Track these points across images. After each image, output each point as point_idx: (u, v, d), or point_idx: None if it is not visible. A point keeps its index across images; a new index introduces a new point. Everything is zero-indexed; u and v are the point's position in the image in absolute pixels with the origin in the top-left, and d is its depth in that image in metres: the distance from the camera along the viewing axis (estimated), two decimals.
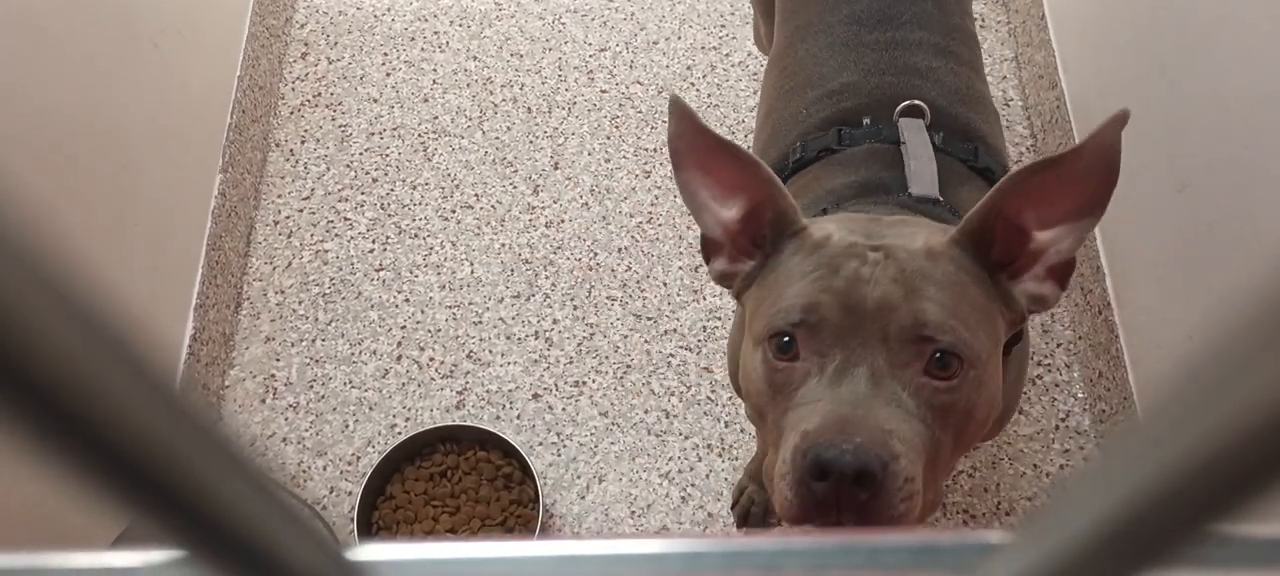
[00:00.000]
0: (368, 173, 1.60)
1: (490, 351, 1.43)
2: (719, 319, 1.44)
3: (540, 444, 1.36)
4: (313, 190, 1.59)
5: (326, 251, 1.53)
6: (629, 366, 1.41)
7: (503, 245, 1.52)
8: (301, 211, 1.57)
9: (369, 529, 1.26)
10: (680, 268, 1.49)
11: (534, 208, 1.55)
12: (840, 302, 0.65)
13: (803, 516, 0.63)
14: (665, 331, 1.44)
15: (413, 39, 1.73)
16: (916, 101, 0.89)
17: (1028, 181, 0.66)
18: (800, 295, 0.67)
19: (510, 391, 1.40)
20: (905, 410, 0.64)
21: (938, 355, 0.64)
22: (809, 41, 1.01)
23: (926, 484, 0.64)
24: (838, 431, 0.61)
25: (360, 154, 1.62)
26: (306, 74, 1.71)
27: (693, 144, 0.72)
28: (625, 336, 1.44)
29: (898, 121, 0.89)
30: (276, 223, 1.57)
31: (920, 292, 0.65)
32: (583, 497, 1.33)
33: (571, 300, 1.47)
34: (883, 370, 0.64)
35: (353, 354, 1.44)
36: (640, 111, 1.64)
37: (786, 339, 0.66)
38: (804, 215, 0.73)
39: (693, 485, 1.33)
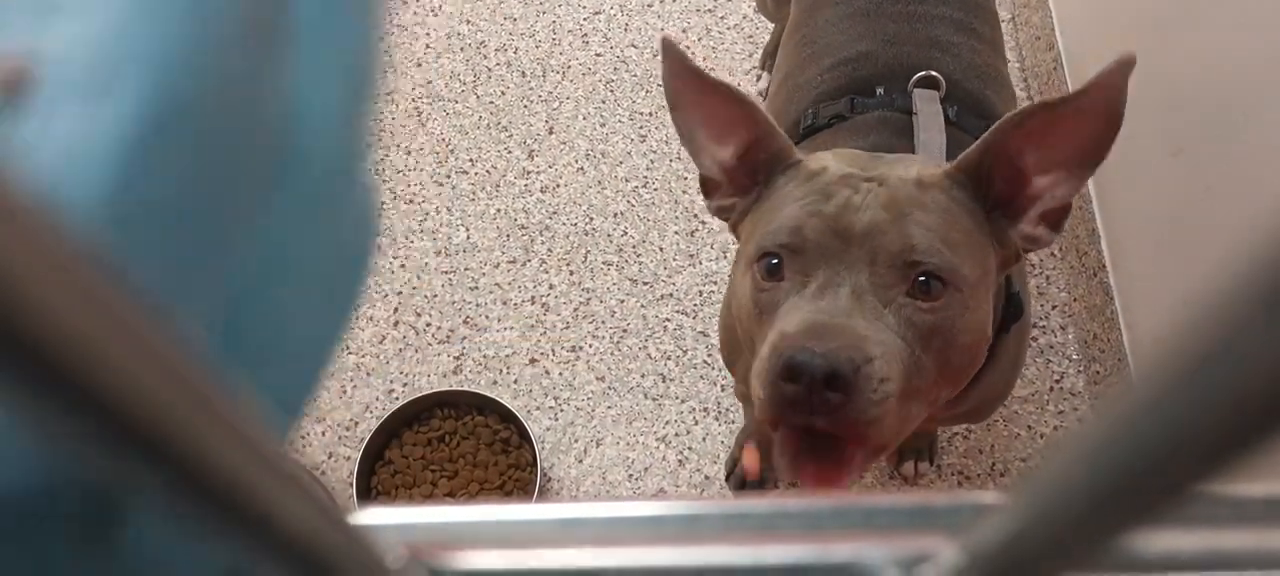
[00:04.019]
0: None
1: (487, 316, 1.44)
2: (715, 283, 1.44)
3: (537, 408, 1.37)
4: None
5: None
6: (625, 331, 1.41)
7: (498, 210, 1.52)
8: None
9: (368, 493, 1.26)
10: (676, 232, 1.49)
11: (529, 172, 1.55)
12: (828, 226, 0.66)
13: (776, 416, 0.63)
14: (661, 296, 1.44)
15: (405, 2, 1.71)
16: (932, 73, 0.89)
17: (1029, 121, 0.66)
18: (789, 218, 0.67)
19: (507, 356, 1.41)
20: (885, 324, 0.64)
21: (922, 278, 0.64)
22: (828, 10, 1.00)
23: (902, 402, 0.63)
24: (812, 335, 0.62)
25: None
26: None
27: (687, 85, 0.72)
28: (621, 301, 1.44)
29: (911, 92, 0.88)
30: None
31: (909, 217, 0.65)
32: (580, 461, 1.33)
33: (567, 265, 1.47)
34: (865, 288, 0.65)
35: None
36: (635, 75, 1.63)
37: (774, 260, 0.67)
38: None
39: (690, 448, 1.33)
